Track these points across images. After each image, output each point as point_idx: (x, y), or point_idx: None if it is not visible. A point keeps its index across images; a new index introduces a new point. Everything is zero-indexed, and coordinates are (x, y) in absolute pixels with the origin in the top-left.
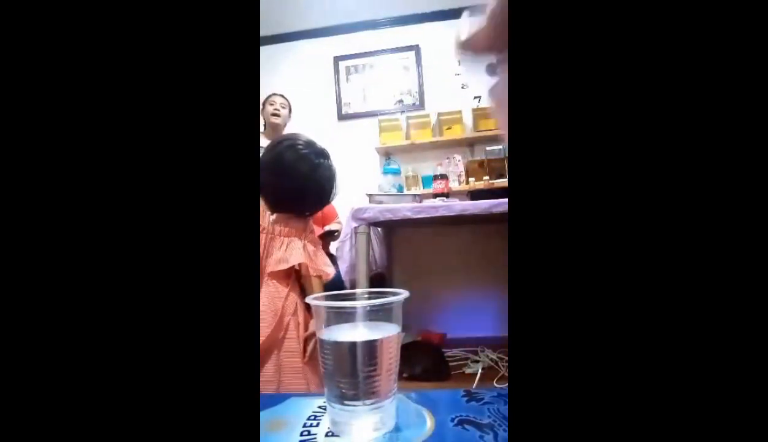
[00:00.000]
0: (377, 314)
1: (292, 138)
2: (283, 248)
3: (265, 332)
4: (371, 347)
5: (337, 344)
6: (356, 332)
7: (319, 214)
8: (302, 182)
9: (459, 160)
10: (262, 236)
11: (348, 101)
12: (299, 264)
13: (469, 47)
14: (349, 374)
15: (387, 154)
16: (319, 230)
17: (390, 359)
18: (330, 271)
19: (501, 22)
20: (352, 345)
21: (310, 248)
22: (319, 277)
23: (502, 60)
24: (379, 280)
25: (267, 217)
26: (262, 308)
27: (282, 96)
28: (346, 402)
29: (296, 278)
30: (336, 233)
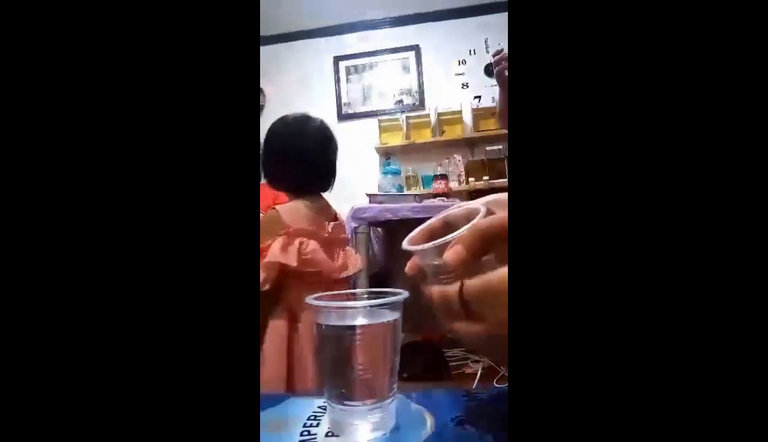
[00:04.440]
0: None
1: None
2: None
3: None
4: (368, 331)
5: (335, 329)
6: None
7: None
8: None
9: (459, 160)
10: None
11: (348, 101)
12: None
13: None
14: (347, 364)
15: (387, 154)
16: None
17: (387, 350)
18: None
19: None
20: (350, 329)
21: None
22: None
23: None
24: (378, 280)
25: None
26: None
27: None
28: (346, 402)
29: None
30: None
